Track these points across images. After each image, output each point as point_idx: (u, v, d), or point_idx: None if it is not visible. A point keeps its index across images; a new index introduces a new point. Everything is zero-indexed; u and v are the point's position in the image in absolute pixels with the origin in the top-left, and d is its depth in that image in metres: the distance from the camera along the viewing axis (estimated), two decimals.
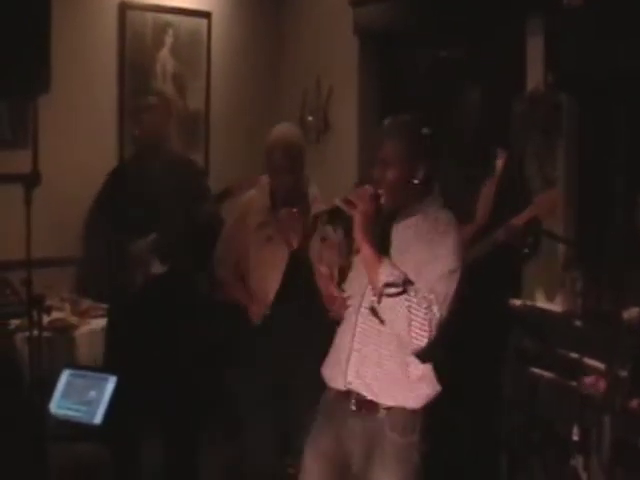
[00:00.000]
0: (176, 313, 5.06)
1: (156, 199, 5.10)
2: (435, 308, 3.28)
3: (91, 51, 6.60)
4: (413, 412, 3.46)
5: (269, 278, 4.58)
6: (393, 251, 3.44)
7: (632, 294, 4.00)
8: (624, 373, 3.52)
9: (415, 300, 3.27)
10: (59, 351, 5.16)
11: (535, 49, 5.29)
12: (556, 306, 4.75)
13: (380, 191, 3.39)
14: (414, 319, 3.26)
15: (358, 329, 3.51)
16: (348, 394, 3.52)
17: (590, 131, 5.01)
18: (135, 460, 5.02)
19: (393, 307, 3.29)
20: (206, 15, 7.16)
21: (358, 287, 3.53)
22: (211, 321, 5.26)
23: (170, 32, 6.99)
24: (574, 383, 3.77)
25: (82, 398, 4.15)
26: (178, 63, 7.04)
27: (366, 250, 3.34)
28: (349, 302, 3.57)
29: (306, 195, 4.66)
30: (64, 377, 4.29)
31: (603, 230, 4.45)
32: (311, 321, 4.28)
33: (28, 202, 4.38)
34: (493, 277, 4.69)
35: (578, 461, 3.72)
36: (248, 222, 4.68)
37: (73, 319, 5.60)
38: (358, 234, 3.35)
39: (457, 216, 4.82)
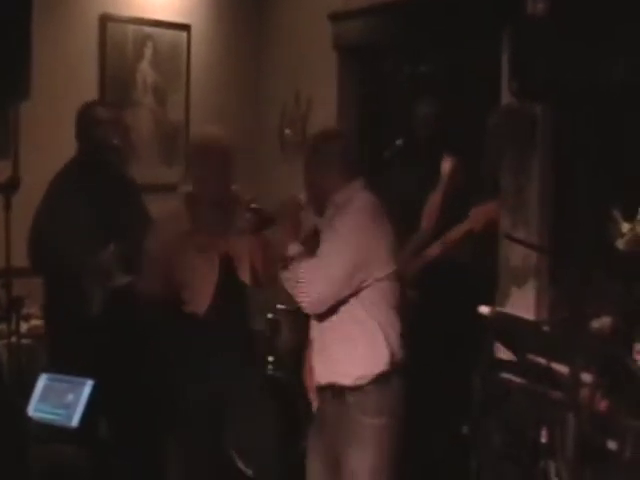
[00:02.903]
0: (142, 323, 5.07)
1: (112, 211, 5.10)
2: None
3: (72, 62, 6.69)
4: (376, 394, 3.80)
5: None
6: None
7: (605, 304, 4.07)
8: (588, 377, 3.59)
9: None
10: (38, 358, 5.19)
11: None
12: (527, 314, 4.82)
13: None
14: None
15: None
16: (326, 387, 3.97)
17: (564, 142, 5.08)
18: (110, 462, 5.05)
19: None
20: (186, 28, 7.27)
21: None
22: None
23: (150, 44, 7.07)
24: (543, 388, 3.84)
25: (60, 401, 4.18)
26: (158, 75, 7.12)
27: None
28: None
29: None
30: (41, 381, 4.30)
31: (576, 240, 4.52)
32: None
33: (8, 208, 4.44)
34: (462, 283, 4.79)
35: (548, 464, 3.79)
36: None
37: None
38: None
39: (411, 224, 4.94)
